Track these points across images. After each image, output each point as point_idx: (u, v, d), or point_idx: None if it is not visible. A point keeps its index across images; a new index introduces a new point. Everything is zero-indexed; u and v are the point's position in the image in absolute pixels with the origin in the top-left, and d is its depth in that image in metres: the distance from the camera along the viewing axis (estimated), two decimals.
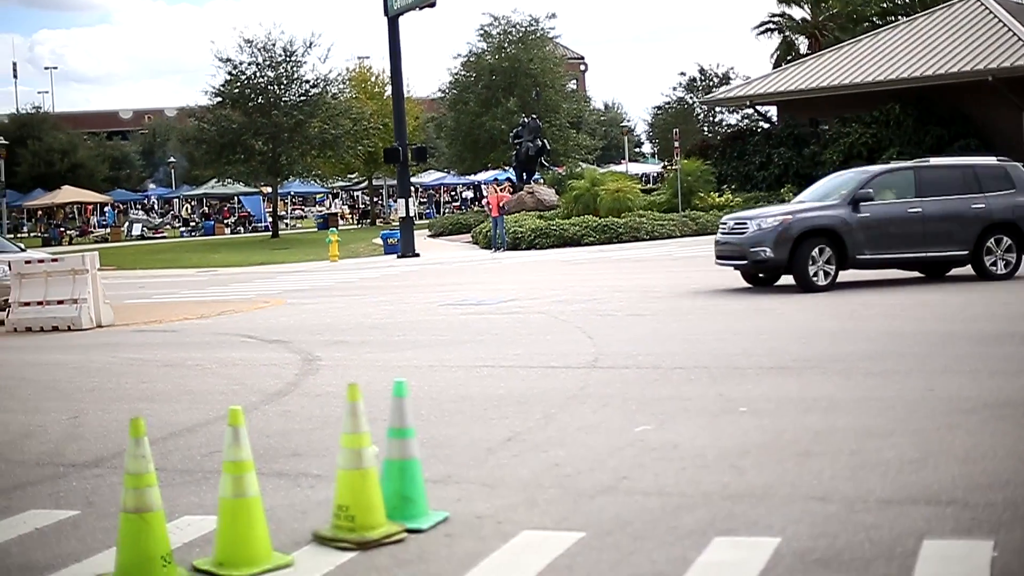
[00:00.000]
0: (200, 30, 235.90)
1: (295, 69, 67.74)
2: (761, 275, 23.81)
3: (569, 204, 48.22)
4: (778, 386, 12.65)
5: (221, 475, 7.64)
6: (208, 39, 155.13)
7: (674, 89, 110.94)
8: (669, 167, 58.33)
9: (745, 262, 23.34)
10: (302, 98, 67.62)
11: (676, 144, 52.05)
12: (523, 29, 74.06)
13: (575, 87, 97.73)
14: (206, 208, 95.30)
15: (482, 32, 74.56)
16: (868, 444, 9.66)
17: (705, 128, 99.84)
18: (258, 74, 67.34)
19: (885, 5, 79.04)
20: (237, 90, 67.17)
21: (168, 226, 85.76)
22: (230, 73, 67.11)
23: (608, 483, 8.96)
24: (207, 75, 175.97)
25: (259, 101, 67.22)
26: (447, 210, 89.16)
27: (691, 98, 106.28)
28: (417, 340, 18.33)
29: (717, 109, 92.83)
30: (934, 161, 25.22)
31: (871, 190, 22.98)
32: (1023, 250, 23.48)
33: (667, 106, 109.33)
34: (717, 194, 49.54)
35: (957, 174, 23.78)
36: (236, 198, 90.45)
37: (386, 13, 45.92)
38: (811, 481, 8.66)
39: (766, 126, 59.40)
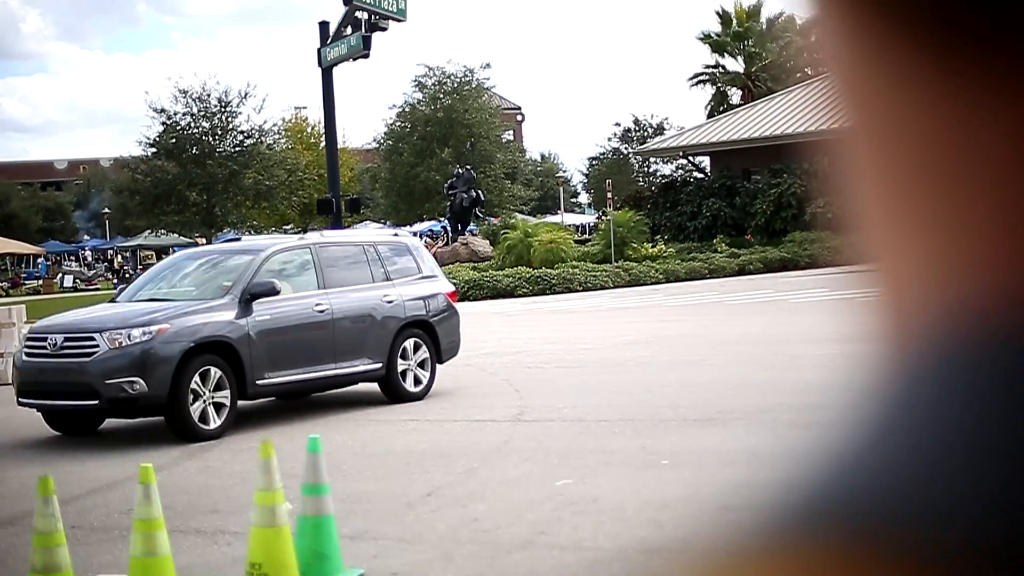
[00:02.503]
0: (138, 79, 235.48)
1: (230, 120, 67.70)
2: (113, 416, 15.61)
3: (502, 255, 48.30)
4: (701, 438, 12.69)
5: (131, 533, 7.58)
6: (144, 89, 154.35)
7: (609, 140, 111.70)
8: (603, 218, 58.62)
9: (92, 402, 14.85)
10: (237, 148, 67.54)
11: (609, 195, 52.31)
12: (458, 80, 74.39)
13: (511, 137, 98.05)
14: (140, 260, 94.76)
15: (417, 83, 74.85)
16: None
17: (640, 178, 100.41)
18: (193, 124, 67.24)
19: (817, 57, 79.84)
20: (172, 141, 67.03)
21: (102, 278, 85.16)
22: (164, 124, 66.98)
23: (526, 538, 8.95)
24: (142, 126, 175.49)
25: (194, 152, 67.10)
26: None
27: (626, 148, 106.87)
28: (343, 392, 18.23)
29: (652, 159, 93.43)
30: (328, 234, 19.43)
31: (270, 280, 15.93)
32: (439, 357, 18.09)
33: (602, 156, 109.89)
34: (651, 244, 49.79)
35: (358, 253, 17.70)
36: (172, 249, 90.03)
37: (320, 64, 46.04)
38: (728, 535, 8.66)
39: (700, 176, 59.85)
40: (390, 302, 17.39)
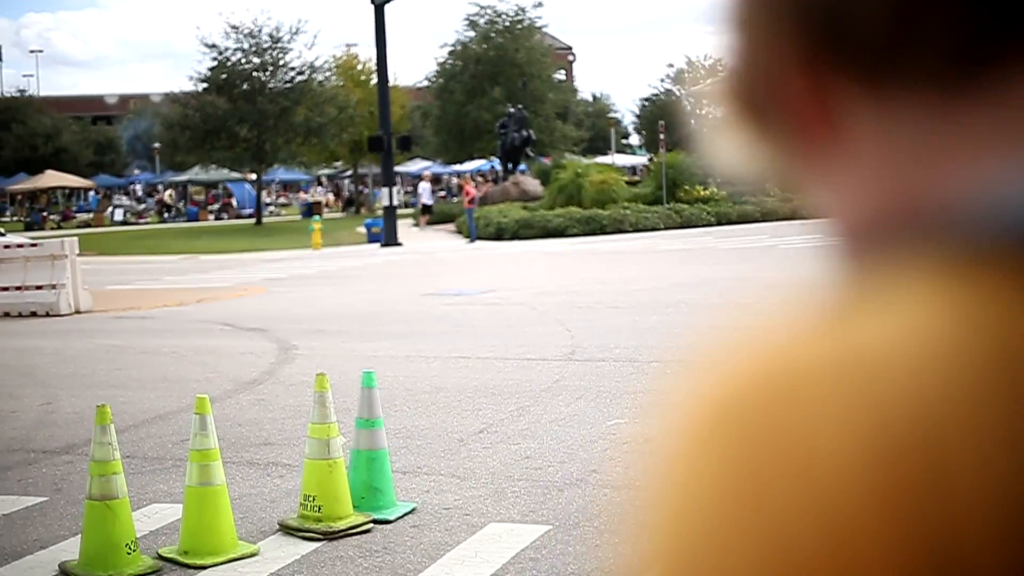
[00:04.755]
0: (189, 15, 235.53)
1: (281, 56, 67.59)
2: None
3: (553, 195, 48.16)
4: None
5: (187, 463, 7.62)
6: (195, 24, 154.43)
7: (662, 81, 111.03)
8: (655, 159, 58.34)
9: None
10: (288, 85, 67.45)
11: (662, 136, 52.04)
12: (509, 18, 74.01)
13: (563, 77, 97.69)
14: (189, 195, 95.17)
15: (469, 21, 74.52)
16: None
17: (692, 121, 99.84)
18: (244, 60, 67.18)
19: None
20: (223, 76, 67.00)
21: (152, 211, 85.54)
22: (215, 59, 66.97)
23: (577, 476, 8.95)
24: (194, 61, 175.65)
25: (244, 87, 67.04)
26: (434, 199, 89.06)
27: (679, 89, 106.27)
28: (395, 330, 18.29)
29: (704, 101, 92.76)
30: None
31: None
32: None
33: (655, 97, 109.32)
34: (703, 187, 49.54)
35: None
36: (221, 185, 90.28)
37: (372, 0, 45.86)
38: None
39: None
40: None
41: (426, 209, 57.15)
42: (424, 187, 60.46)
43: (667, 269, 27.26)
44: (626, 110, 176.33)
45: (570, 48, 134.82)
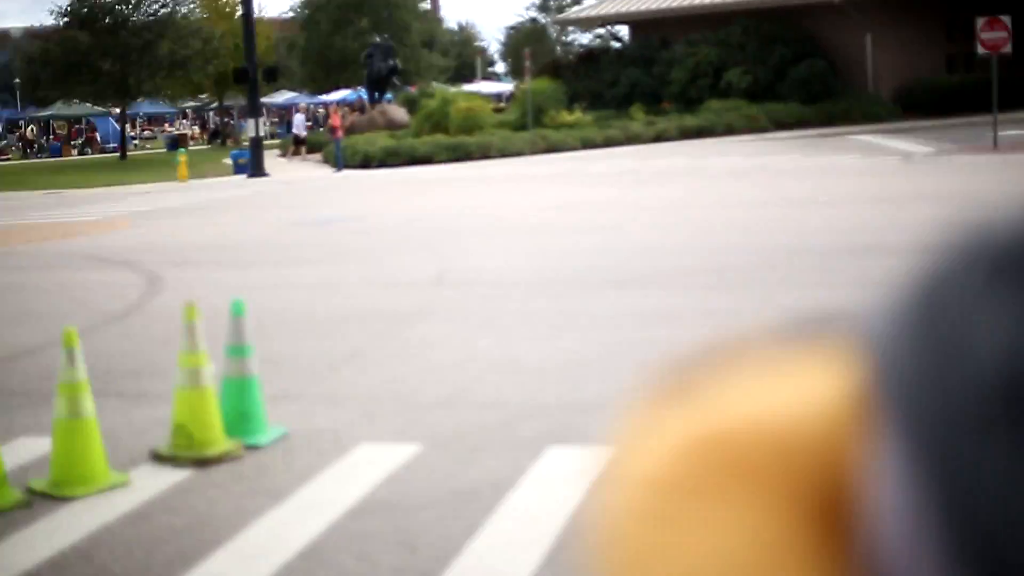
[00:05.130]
0: None
1: None
2: None
3: (420, 124, 48.05)
4: (619, 299, 12.83)
5: (55, 396, 7.60)
6: None
7: (527, 9, 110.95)
8: (520, 86, 58.30)
9: None
10: (151, 18, 66.37)
11: (527, 63, 52.04)
12: None
13: (427, 6, 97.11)
14: (53, 129, 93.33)
15: None
16: None
17: (558, 48, 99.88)
18: None
19: None
20: (85, 10, 65.76)
21: (13, 148, 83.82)
22: None
23: (448, 396, 9.06)
24: None
25: (107, 21, 65.85)
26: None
27: (544, 17, 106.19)
28: (265, 259, 18.22)
29: (570, 29, 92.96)
30: None
31: None
32: None
33: (520, 25, 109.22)
34: (568, 113, 49.68)
35: None
36: (84, 119, 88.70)
37: None
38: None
39: (618, 45, 59.62)
40: None
41: (299, 141, 56.65)
42: (298, 119, 60.00)
43: (534, 194, 27.38)
44: (492, 38, 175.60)
45: None
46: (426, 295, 13.89)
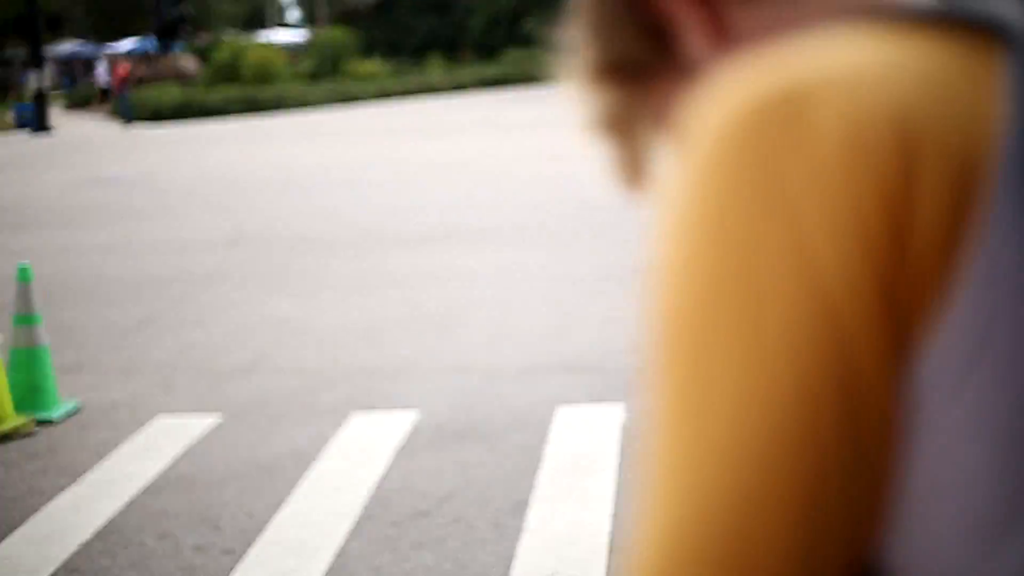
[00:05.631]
0: None
1: None
2: None
3: (211, 75, 47.22)
4: (420, 258, 12.73)
5: None
6: None
7: None
8: (316, 35, 57.61)
9: None
10: None
11: (323, 11, 51.50)
12: None
13: None
14: None
15: None
16: (509, 315, 9.84)
17: None
18: None
19: None
20: None
21: None
22: None
23: (248, 362, 8.87)
24: None
25: None
26: (86, 82, 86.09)
27: None
28: (49, 220, 17.66)
29: None
30: None
31: None
32: None
33: None
34: (366, 62, 49.31)
35: None
36: None
37: None
38: (451, 353, 8.77)
39: None
40: None
41: (104, 94, 55.02)
42: (100, 70, 58.14)
43: (331, 148, 27.11)
44: None
45: None
46: (221, 256, 13.61)
